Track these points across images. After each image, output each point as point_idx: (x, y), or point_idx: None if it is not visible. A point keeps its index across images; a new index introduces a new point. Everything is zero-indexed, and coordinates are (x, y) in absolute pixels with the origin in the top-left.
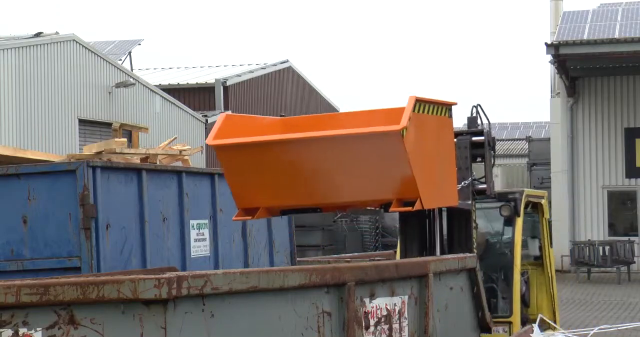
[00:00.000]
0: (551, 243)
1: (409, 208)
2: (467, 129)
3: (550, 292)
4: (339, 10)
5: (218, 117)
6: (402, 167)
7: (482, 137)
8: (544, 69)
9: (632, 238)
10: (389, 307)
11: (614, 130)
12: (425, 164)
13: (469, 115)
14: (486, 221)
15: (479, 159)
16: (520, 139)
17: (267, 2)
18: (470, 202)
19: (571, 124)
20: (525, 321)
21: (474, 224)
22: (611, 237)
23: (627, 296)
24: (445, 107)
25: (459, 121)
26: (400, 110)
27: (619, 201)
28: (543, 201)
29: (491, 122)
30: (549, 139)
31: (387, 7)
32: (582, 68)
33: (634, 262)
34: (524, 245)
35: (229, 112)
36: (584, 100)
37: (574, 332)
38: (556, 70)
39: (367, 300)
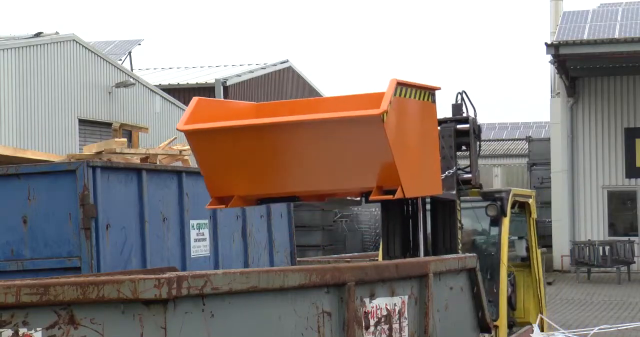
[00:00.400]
0: (538, 244)
1: (390, 196)
2: (451, 117)
3: (538, 294)
4: (339, 10)
5: (190, 102)
6: (383, 153)
7: (467, 125)
8: (544, 69)
9: (632, 238)
10: (389, 307)
11: (614, 130)
12: (407, 151)
13: (454, 102)
14: (472, 221)
15: (463, 148)
16: (520, 139)
17: (267, 2)
18: (454, 192)
19: (571, 124)
20: (512, 324)
21: (459, 224)
22: (611, 237)
23: (627, 296)
24: (429, 92)
25: (445, 111)
26: (382, 94)
27: (619, 201)
28: (530, 201)
29: (476, 109)
30: (549, 139)
31: (387, 7)
32: (582, 68)
33: (634, 262)
34: (511, 246)
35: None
36: (584, 100)
37: (574, 332)
38: (556, 70)
39: (367, 300)
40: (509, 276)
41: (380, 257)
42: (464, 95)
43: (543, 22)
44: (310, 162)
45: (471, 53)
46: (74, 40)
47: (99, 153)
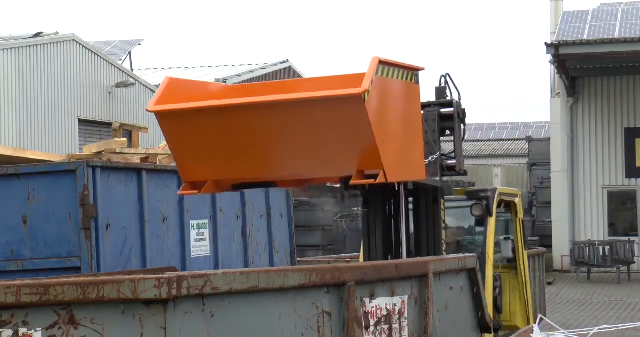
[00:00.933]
0: (525, 245)
1: (372, 181)
2: (435, 100)
3: (524, 297)
4: (339, 10)
5: (161, 81)
6: (364, 135)
7: (452, 109)
8: (544, 69)
9: (632, 238)
10: (389, 307)
11: (614, 130)
12: (389, 133)
13: (437, 85)
14: (457, 221)
15: (447, 133)
16: (520, 139)
17: (267, 2)
18: (438, 178)
19: (571, 124)
20: (498, 328)
21: (443, 225)
22: (611, 237)
23: (627, 296)
24: (412, 73)
25: (429, 95)
26: (364, 75)
27: (619, 201)
28: (517, 200)
29: (460, 92)
30: (549, 139)
31: (387, 7)
32: (582, 68)
33: (634, 262)
34: (497, 246)
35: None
36: (584, 100)
37: (574, 332)
38: (556, 70)
39: (367, 300)
40: (495, 278)
41: (361, 259)
42: (448, 78)
43: (543, 22)
44: (287, 145)
45: (471, 53)
46: (74, 40)
47: (99, 153)
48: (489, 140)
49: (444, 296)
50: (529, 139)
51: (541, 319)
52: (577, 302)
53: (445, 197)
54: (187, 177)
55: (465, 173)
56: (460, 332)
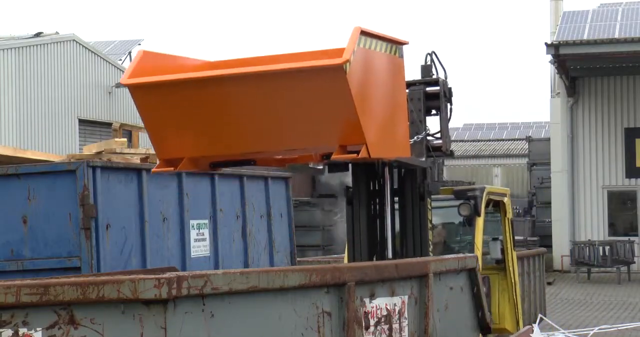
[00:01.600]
0: (514, 245)
1: (354, 156)
2: (420, 79)
3: (514, 299)
4: (339, 10)
5: (135, 54)
6: (345, 108)
7: (437, 88)
8: (544, 69)
9: (632, 238)
10: (389, 307)
11: (614, 130)
12: (372, 107)
13: (423, 63)
14: (444, 220)
15: (433, 112)
16: (520, 139)
17: (267, 2)
18: (424, 159)
19: (571, 124)
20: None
21: (429, 225)
22: (611, 237)
23: (627, 296)
24: (396, 46)
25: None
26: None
27: (619, 201)
28: (505, 199)
29: (447, 71)
30: (549, 139)
31: (387, 8)
32: (582, 68)
33: (634, 262)
34: (485, 247)
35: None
36: (584, 100)
37: (574, 332)
38: (556, 70)
39: (367, 300)
40: (483, 280)
41: (345, 260)
42: (433, 56)
43: (543, 22)
44: (266, 119)
45: (471, 53)
46: (74, 40)
47: (99, 153)
48: (489, 140)
49: (444, 296)
50: (529, 139)
51: (541, 319)
52: (577, 302)
53: (433, 196)
54: (162, 154)
55: (451, 154)
56: (460, 332)
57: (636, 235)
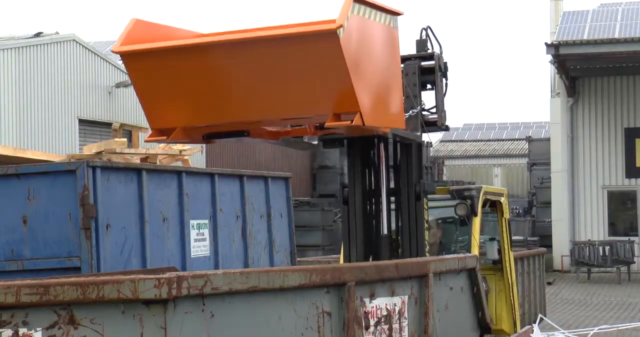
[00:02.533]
0: (511, 245)
1: (347, 123)
2: (415, 54)
3: (511, 300)
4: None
5: (127, 23)
6: (339, 74)
7: (433, 62)
8: (544, 69)
9: (632, 238)
10: (389, 307)
11: (614, 130)
12: (366, 75)
13: (418, 38)
14: (441, 220)
15: (429, 87)
16: (520, 139)
17: (267, 2)
18: (419, 133)
19: (571, 124)
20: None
21: (425, 225)
22: (611, 237)
23: (627, 296)
24: (390, 16)
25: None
26: None
27: (619, 201)
28: (502, 199)
29: (442, 45)
30: (549, 139)
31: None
32: (582, 68)
33: (634, 262)
34: (482, 247)
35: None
36: (584, 100)
37: (574, 332)
38: (556, 70)
39: (367, 300)
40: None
41: (341, 261)
42: (429, 30)
43: (543, 22)
44: (258, 88)
45: (471, 53)
46: (74, 40)
47: (99, 153)
48: (489, 140)
49: (444, 296)
50: (529, 139)
51: (541, 319)
52: (577, 302)
53: (429, 196)
54: (154, 123)
55: (447, 128)
56: (460, 332)
57: (636, 235)
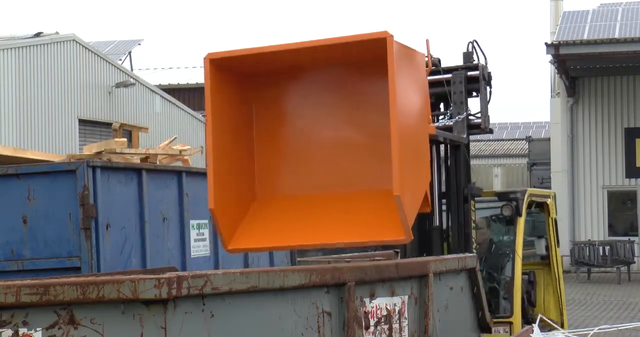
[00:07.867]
0: (558, 243)
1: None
2: (462, 64)
3: (558, 292)
4: (340, 11)
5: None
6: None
7: (477, 72)
8: (544, 69)
9: (632, 238)
10: (389, 307)
11: (614, 130)
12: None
13: (465, 50)
14: (489, 220)
15: (474, 94)
16: (520, 139)
17: (267, 2)
18: (465, 135)
19: (571, 124)
20: (531, 321)
21: (473, 225)
22: (611, 237)
23: (627, 296)
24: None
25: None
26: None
27: (619, 201)
28: (549, 201)
29: (487, 57)
30: (549, 139)
31: (388, 9)
32: (582, 68)
33: (634, 262)
34: (531, 244)
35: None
36: (584, 100)
37: (574, 332)
38: (556, 70)
39: (367, 300)
40: (528, 274)
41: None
42: (475, 44)
43: (543, 22)
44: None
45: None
46: (74, 40)
47: (99, 153)
48: (489, 140)
49: (444, 296)
50: (529, 139)
51: (541, 319)
52: (577, 302)
53: (477, 199)
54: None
55: (491, 131)
56: (460, 333)
57: (636, 235)
